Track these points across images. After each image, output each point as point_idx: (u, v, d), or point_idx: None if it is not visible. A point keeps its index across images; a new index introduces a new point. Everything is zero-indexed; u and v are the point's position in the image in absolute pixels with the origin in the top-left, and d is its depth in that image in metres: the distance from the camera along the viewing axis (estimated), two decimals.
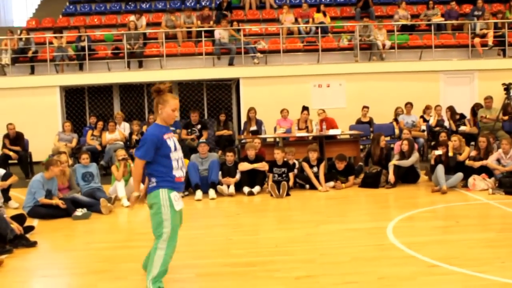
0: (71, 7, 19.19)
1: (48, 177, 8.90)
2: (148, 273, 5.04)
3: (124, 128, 13.93)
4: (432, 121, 14.02)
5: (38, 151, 13.32)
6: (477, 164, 10.32)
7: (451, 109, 14.14)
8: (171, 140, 5.10)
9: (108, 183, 10.32)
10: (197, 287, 5.34)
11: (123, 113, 15.05)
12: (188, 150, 12.48)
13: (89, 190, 9.59)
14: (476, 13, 17.45)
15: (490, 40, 16.50)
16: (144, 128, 13.85)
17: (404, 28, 17.04)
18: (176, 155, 5.09)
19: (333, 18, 17.89)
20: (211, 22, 17.04)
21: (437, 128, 13.49)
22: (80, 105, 16.58)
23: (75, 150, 13.08)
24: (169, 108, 5.05)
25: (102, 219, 8.71)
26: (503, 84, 13.95)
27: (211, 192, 10.10)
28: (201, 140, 11.60)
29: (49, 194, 8.87)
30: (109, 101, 16.68)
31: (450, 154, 10.44)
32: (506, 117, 13.87)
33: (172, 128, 14.00)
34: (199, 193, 10.03)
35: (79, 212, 8.69)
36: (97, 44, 16.53)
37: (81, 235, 7.81)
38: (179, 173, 5.11)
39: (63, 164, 9.49)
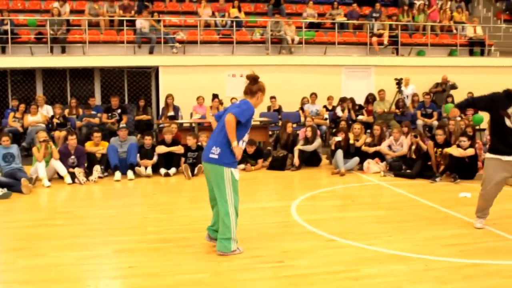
0: None
1: None
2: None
3: (46, 111, 13.38)
4: (343, 114, 14.24)
5: None
6: (372, 149, 10.70)
7: (352, 101, 14.55)
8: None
9: (30, 164, 9.89)
10: (114, 263, 5.22)
11: (46, 96, 14.44)
12: (109, 133, 12.17)
13: (10, 170, 9.12)
14: (374, 14, 18.00)
15: (385, 39, 17.08)
16: (66, 111, 13.39)
17: (311, 25, 17.32)
18: (246, 137, 5.34)
19: (247, 13, 17.93)
20: (133, 12, 16.61)
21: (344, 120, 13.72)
22: (2, 88, 15.73)
23: None
24: (263, 96, 5.38)
25: (22, 198, 8.34)
26: (395, 79, 14.56)
27: (130, 173, 9.91)
28: (121, 125, 11.33)
29: None
30: (31, 84, 15.92)
31: (351, 141, 10.77)
32: (398, 111, 14.43)
33: (93, 112, 13.69)
34: (118, 174, 9.81)
35: None
36: (20, 29, 15.71)
37: (1, 214, 7.42)
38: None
39: None
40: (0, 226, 6.72)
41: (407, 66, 16.57)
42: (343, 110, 14.19)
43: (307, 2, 18.08)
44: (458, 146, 9.44)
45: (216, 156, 5.15)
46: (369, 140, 10.97)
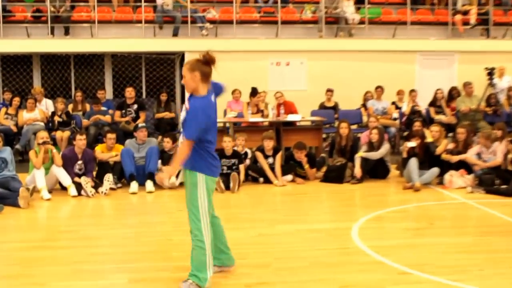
0: None
1: None
2: None
3: (46, 106, 13.66)
4: (406, 108, 14.21)
5: None
6: (455, 158, 10.52)
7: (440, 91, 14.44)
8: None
9: (25, 171, 10.09)
10: None
11: (45, 89, 14.74)
12: (123, 135, 12.32)
13: (2, 179, 9.28)
14: None
15: (473, 18, 16.84)
16: (70, 107, 13.63)
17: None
18: None
19: None
20: None
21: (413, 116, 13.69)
22: None
23: None
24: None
25: (17, 214, 8.49)
26: (486, 68, 14.33)
27: (149, 184, 9.99)
28: (140, 124, 11.35)
29: None
30: (27, 73, 16.31)
31: (430, 140, 10.68)
32: (489, 109, 14.15)
33: (103, 108, 13.85)
34: (134, 185, 9.91)
35: None
36: (14, 5, 16.10)
37: None
38: None
39: None
40: None
41: (501, 52, 16.32)
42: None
43: None
44: None
45: None
46: (451, 146, 10.82)
